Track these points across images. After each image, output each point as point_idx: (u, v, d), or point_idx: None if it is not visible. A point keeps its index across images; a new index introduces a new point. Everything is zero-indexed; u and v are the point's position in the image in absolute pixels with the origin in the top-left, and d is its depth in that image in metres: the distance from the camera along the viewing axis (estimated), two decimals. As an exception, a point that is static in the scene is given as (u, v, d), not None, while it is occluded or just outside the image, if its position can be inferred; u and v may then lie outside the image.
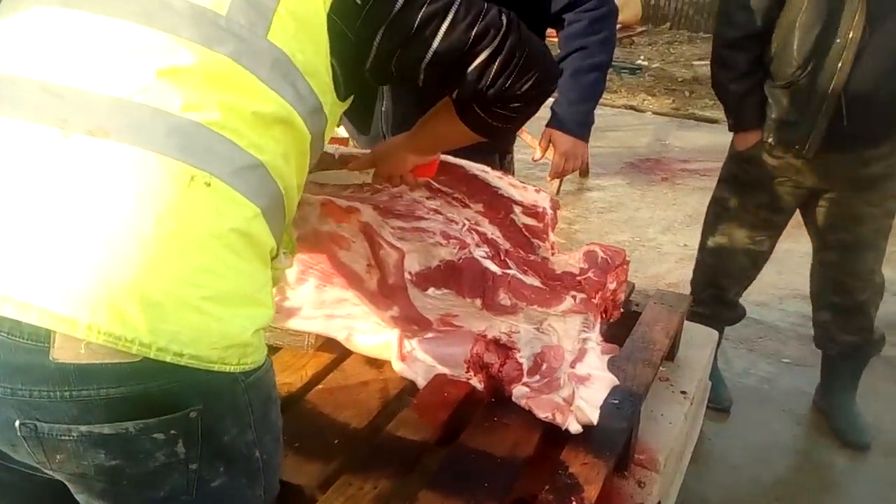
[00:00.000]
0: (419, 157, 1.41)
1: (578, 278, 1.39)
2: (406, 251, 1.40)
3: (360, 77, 1.09)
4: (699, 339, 2.00)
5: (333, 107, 1.07)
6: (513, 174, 2.23)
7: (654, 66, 9.01)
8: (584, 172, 5.23)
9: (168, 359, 0.85)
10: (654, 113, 7.06)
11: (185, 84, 0.91)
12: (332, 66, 1.03)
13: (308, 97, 1.01)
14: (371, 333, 1.55)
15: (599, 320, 1.40)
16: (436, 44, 1.06)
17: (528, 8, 1.86)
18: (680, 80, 8.31)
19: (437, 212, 1.45)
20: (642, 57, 9.48)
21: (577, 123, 1.96)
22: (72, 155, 0.86)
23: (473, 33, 1.06)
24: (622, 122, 6.70)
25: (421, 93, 1.19)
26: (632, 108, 7.17)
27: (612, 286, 1.42)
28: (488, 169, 1.50)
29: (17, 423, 0.87)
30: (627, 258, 1.47)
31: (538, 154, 2.06)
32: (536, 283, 1.39)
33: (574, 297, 1.36)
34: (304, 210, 1.45)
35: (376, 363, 1.59)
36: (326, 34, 1.01)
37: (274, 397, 1.06)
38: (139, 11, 0.92)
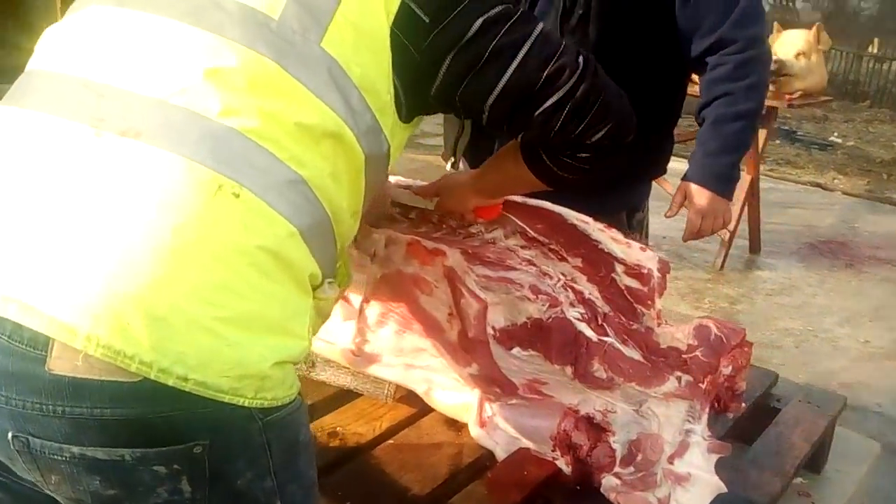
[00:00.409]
0: (482, 198, 1.32)
1: (684, 356, 1.17)
2: (490, 303, 1.25)
3: (424, 100, 1.00)
4: (855, 451, 1.66)
5: (395, 129, 0.98)
6: (645, 236, 2.01)
7: (848, 143, 8.28)
8: (756, 248, 4.80)
9: (171, 382, 0.77)
10: (845, 193, 6.43)
11: (226, 87, 0.85)
12: (395, 84, 0.94)
13: (362, 113, 0.92)
14: (451, 390, 1.41)
15: (708, 411, 1.17)
16: (505, 79, 0.97)
17: (665, 51, 1.69)
18: (878, 160, 7.55)
19: (530, 263, 1.29)
20: (836, 133, 8.74)
21: (716, 177, 1.72)
22: (101, 155, 0.82)
23: (546, 73, 0.97)
24: (806, 200, 6.14)
25: None
26: (818, 185, 6.58)
27: (726, 371, 1.18)
28: (589, 219, 1.33)
29: (9, 435, 0.81)
30: (747, 339, 1.22)
31: (672, 210, 1.84)
32: (636, 356, 1.19)
33: (679, 379, 1.15)
34: (391, 249, 1.36)
35: (456, 424, 1.44)
36: (389, 49, 0.93)
37: (304, 442, 0.94)
38: (189, 10, 0.88)
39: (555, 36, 1.01)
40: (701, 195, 1.72)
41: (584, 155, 1.03)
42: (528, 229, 1.35)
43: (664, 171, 1.98)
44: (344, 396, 1.53)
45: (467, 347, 1.30)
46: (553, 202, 1.44)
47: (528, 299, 1.23)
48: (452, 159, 1.80)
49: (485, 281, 1.26)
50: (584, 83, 0.98)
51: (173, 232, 0.79)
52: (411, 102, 0.98)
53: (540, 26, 0.99)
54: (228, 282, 0.81)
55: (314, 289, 0.93)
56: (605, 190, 1.79)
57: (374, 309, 1.40)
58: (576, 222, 1.31)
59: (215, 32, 0.87)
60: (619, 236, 1.30)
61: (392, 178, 1.47)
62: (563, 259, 1.31)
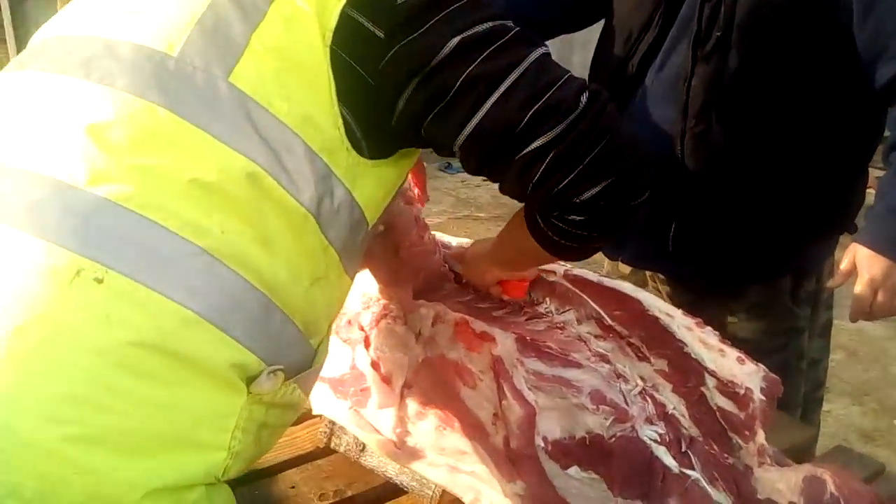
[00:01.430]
0: (502, 270, 1.10)
1: (788, 517, 0.83)
2: (541, 408, 0.98)
3: (386, 132, 0.79)
4: None
5: (358, 168, 0.78)
6: (827, 309, 1.58)
7: None
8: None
9: None
10: None
11: (103, 147, 0.69)
12: (343, 115, 0.75)
13: (298, 157, 0.73)
14: (502, 507, 1.14)
15: None
16: (478, 117, 0.76)
17: (841, 79, 1.32)
18: None
19: (602, 358, 1.02)
20: None
21: (894, 240, 1.33)
22: None
23: (531, 112, 0.74)
24: None
25: None
26: None
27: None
28: (675, 312, 1.02)
29: None
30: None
31: (836, 280, 1.42)
32: (726, 502, 0.87)
33: (781, 547, 0.82)
34: (437, 328, 1.14)
35: (507, 547, 1.16)
36: (329, 73, 0.74)
37: None
38: (82, 62, 0.75)
39: (554, 66, 0.78)
40: (873, 263, 1.33)
41: (574, 217, 0.78)
42: (604, 315, 1.07)
43: (851, 228, 1.51)
44: (392, 490, 1.31)
45: (513, 459, 1.04)
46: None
47: (586, 409, 0.96)
48: None
49: (535, 379, 1.00)
50: (578, 127, 0.74)
51: (14, 335, 0.63)
52: (371, 135, 0.78)
53: (538, 52, 0.77)
54: (83, 391, 0.64)
55: (249, 381, 0.74)
56: (758, 246, 1.44)
57: (414, 397, 1.18)
58: (658, 314, 1.01)
59: (104, 83, 0.72)
60: (712, 340, 0.98)
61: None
62: (643, 358, 1.02)
